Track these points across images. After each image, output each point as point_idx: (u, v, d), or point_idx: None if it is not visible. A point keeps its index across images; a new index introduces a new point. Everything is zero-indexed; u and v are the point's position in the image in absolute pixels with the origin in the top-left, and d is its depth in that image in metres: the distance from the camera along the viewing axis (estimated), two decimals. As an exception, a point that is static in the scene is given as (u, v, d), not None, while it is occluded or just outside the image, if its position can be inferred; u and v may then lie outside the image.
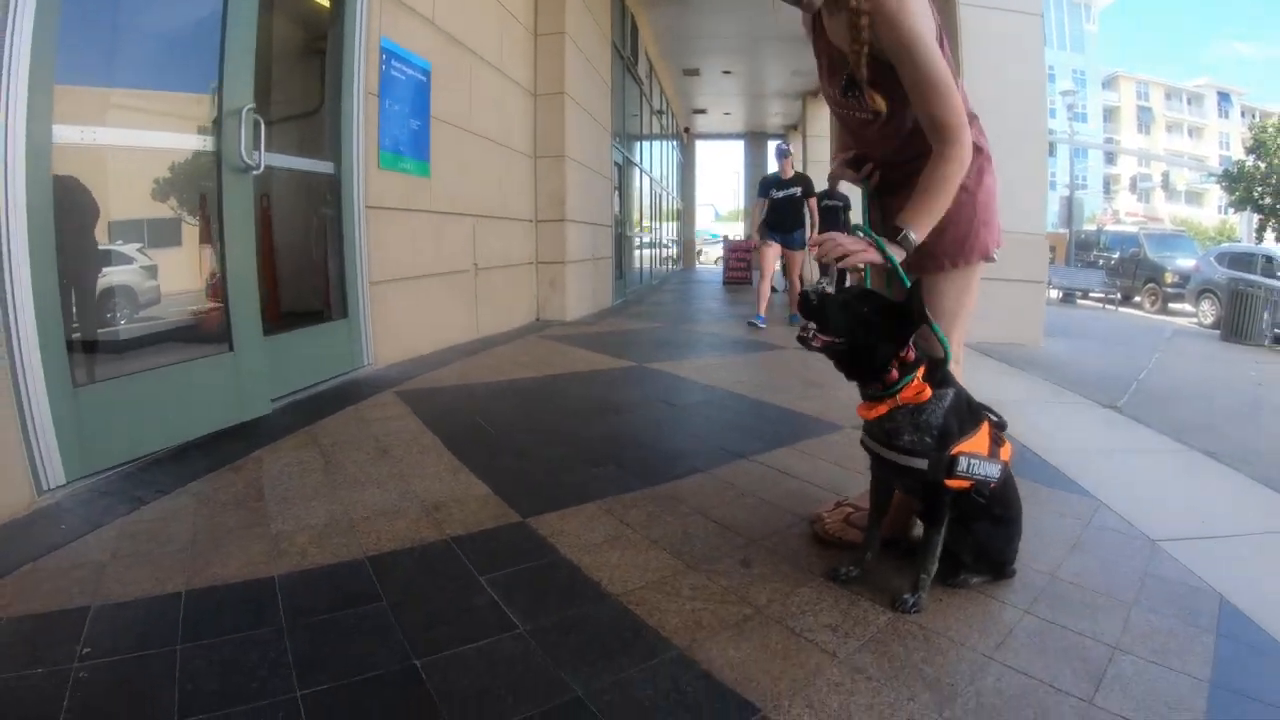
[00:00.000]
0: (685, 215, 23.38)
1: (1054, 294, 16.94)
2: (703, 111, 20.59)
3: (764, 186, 7.40)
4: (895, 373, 1.60)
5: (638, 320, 7.68)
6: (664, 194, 18.01)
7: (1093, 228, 26.09)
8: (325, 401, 3.46)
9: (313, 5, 4.01)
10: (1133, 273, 16.53)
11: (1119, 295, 16.10)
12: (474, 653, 1.46)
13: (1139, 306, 15.82)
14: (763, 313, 7.22)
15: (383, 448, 2.80)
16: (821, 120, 15.48)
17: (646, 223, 14.87)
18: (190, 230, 3.21)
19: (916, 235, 1.59)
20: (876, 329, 1.58)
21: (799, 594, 1.73)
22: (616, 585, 1.76)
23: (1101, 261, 17.95)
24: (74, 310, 2.56)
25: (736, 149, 23.80)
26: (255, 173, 3.01)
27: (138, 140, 2.85)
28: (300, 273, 4.12)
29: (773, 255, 7.45)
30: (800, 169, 7.96)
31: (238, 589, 1.71)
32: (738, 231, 23.80)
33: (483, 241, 5.77)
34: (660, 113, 15.92)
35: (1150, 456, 3.16)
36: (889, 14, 1.53)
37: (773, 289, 7.81)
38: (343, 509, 2.20)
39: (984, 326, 5.90)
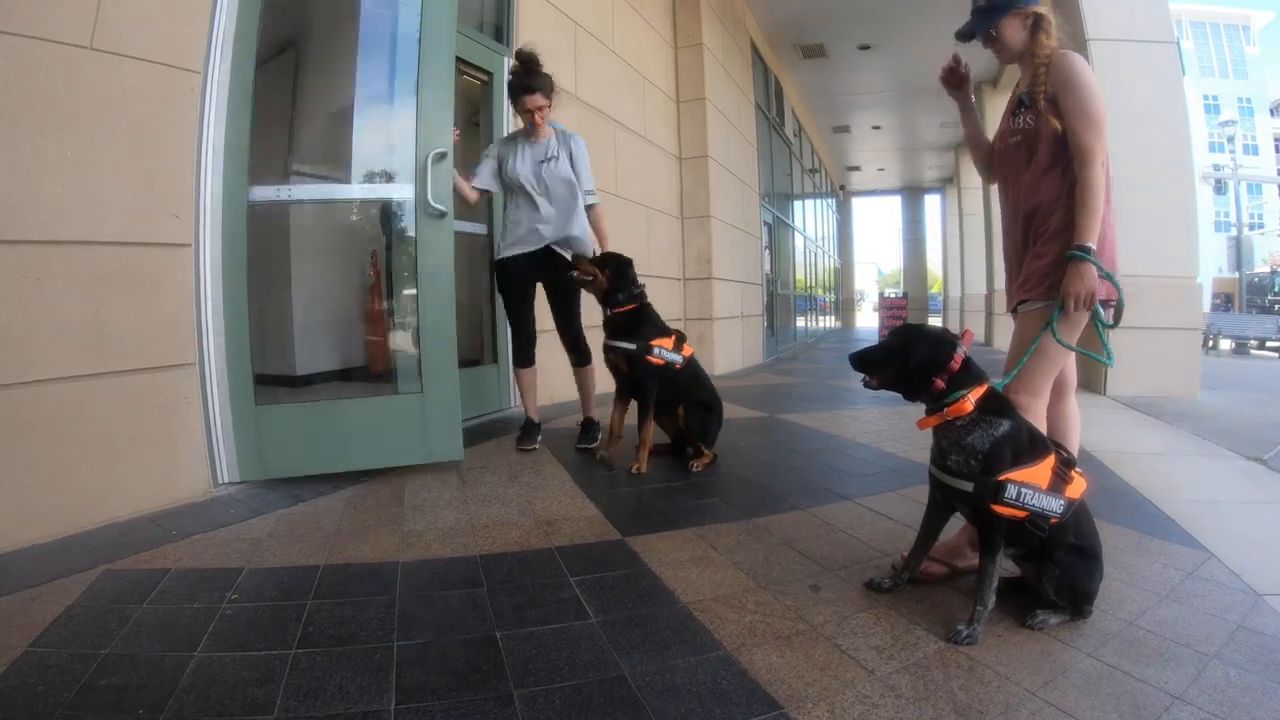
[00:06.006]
0: (844, 273, 23.00)
1: (1225, 345, 15.43)
2: (857, 169, 20.43)
3: None
4: (940, 383, 1.67)
5: (782, 375, 7.69)
6: (820, 252, 17.90)
7: (1266, 269, 22.77)
8: (471, 434, 3.84)
9: (472, 83, 4.57)
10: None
11: None
12: (547, 631, 1.66)
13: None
14: None
15: (514, 474, 3.10)
16: (974, 172, 14.74)
17: (801, 281, 14.84)
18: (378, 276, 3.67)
19: (1094, 244, 1.80)
20: (907, 352, 1.72)
21: (857, 618, 1.75)
22: (688, 595, 1.88)
23: (1278, 306, 15.61)
24: (262, 342, 2.98)
25: (895, 205, 23.28)
26: (447, 218, 3.03)
27: (333, 193, 3.31)
28: (458, 322, 4.63)
29: None
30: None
31: (366, 567, 2.05)
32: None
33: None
34: (813, 171, 15.97)
35: (1283, 509, 2.77)
36: (1063, 66, 1.88)
37: None
38: (468, 518, 2.50)
39: (1131, 378, 5.40)
